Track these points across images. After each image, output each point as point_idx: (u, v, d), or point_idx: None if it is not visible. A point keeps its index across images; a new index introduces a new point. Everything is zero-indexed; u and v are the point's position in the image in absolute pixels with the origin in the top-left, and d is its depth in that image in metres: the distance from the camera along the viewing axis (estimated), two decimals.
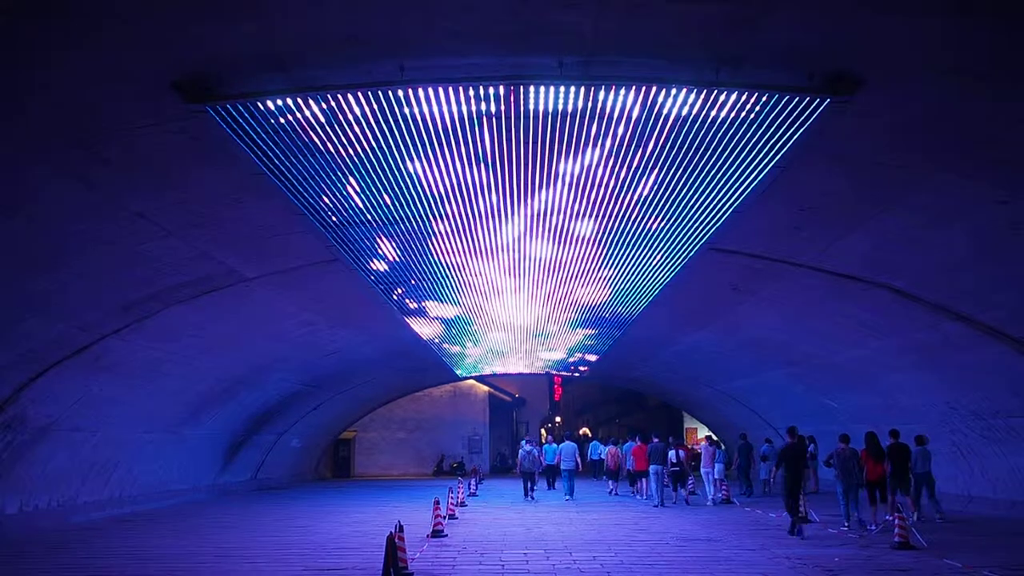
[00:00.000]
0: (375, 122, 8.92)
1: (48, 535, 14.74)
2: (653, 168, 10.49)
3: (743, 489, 24.26)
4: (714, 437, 28.29)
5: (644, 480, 23.29)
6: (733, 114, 8.76)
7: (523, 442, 28.51)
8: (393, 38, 7.45)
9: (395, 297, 18.06)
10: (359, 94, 8.27)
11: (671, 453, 21.22)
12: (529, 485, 23.93)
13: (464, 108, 8.75)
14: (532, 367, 33.62)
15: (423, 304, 19.23)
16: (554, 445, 27.20)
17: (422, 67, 7.88)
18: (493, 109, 8.79)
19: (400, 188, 11.12)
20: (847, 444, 15.61)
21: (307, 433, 32.34)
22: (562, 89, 8.32)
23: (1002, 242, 10.83)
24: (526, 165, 10.47)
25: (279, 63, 7.73)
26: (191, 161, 9.63)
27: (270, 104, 8.30)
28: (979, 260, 11.58)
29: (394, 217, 12.36)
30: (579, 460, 24.54)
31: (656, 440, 21.51)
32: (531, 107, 8.73)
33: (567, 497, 23.23)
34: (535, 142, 9.69)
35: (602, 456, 27.76)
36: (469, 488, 25.35)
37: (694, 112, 8.75)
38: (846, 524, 15.08)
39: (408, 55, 7.69)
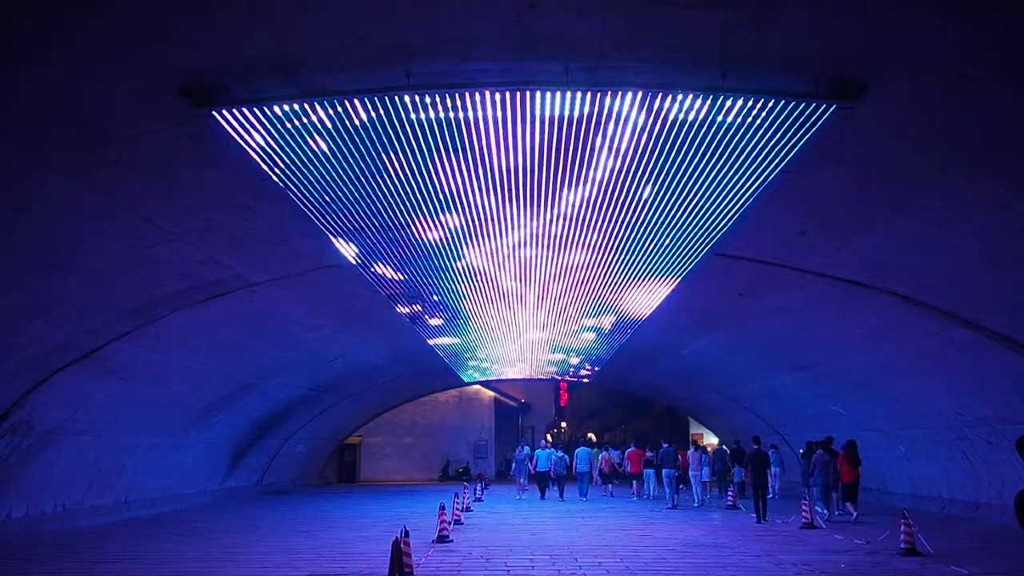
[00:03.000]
0: (381, 127, 8.94)
1: (54, 539, 14.77)
2: (659, 173, 10.50)
3: (721, 492, 26.20)
4: (699, 443, 30.18)
5: (637, 482, 25.96)
6: (739, 119, 8.76)
7: (523, 447, 28.58)
8: (399, 44, 7.47)
9: (401, 302, 18.07)
10: (365, 99, 8.29)
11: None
12: (540, 487, 25.74)
13: (471, 114, 8.76)
14: (538, 372, 33.59)
15: (429, 308, 19.24)
16: (548, 450, 26.99)
17: (428, 73, 7.90)
18: (499, 115, 8.80)
19: (406, 193, 11.14)
20: (826, 450, 18.52)
21: (313, 438, 32.36)
22: (568, 95, 8.32)
23: (1008, 247, 10.79)
24: (532, 171, 10.48)
25: (285, 69, 7.76)
26: (197, 165, 9.66)
27: (277, 109, 8.33)
28: (986, 265, 11.55)
29: (400, 222, 12.38)
30: (593, 463, 27.06)
31: (667, 445, 23.47)
32: (537, 113, 8.74)
33: (583, 497, 25.52)
34: (541, 148, 9.70)
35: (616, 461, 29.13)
36: (475, 493, 25.36)
37: (700, 117, 8.75)
38: (828, 518, 17.83)
39: (414, 61, 7.71)
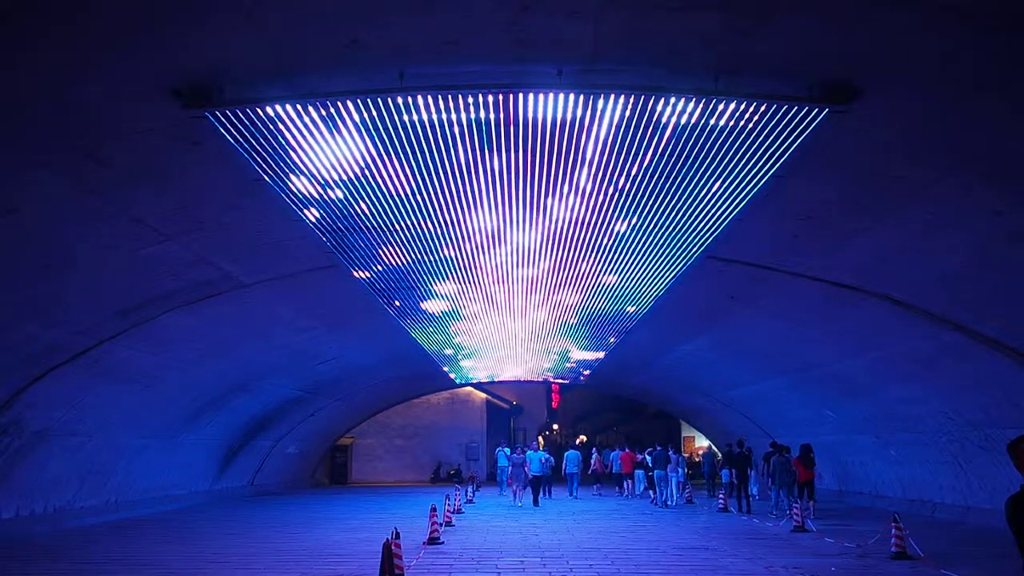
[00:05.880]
0: (374, 129, 8.93)
1: (44, 540, 14.72)
2: (652, 176, 10.50)
3: (709, 493, 27.77)
4: (679, 447, 32.08)
5: (629, 482, 28.32)
6: (732, 123, 8.77)
7: (505, 450, 28.39)
8: (393, 46, 7.45)
9: (393, 304, 18.04)
10: (358, 101, 8.27)
11: (648, 459, 25.42)
12: (534, 492, 24.72)
13: (463, 115, 8.75)
14: (530, 374, 33.59)
15: (421, 311, 19.22)
16: (540, 452, 26.39)
17: (421, 74, 7.89)
18: (492, 116, 8.80)
19: (398, 195, 11.12)
20: (781, 453, 20.40)
21: (304, 439, 32.28)
22: (561, 97, 8.32)
23: (1001, 253, 10.83)
24: (524, 172, 10.47)
25: (279, 70, 7.74)
26: (190, 166, 9.63)
27: (269, 110, 8.30)
28: (978, 271, 11.58)
29: (393, 224, 12.36)
30: (582, 465, 28.25)
31: (660, 448, 24.81)
32: (530, 115, 8.73)
33: (572, 496, 26.90)
34: (533, 149, 9.69)
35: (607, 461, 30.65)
36: (466, 496, 25.32)
37: (693, 120, 8.75)
38: (774, 512, 19.87)
39: (408, 62, 7.70)
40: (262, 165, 9.62)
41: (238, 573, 11.57)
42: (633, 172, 10.36)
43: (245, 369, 20.57)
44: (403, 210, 11.76)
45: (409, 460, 40.03)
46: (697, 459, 37.52)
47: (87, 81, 7.57)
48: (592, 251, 14.16)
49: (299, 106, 8.29)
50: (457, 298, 17.94)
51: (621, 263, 14.83)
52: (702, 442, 40.81)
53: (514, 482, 25.15)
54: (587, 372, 31.85)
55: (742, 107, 8.37)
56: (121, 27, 6.82)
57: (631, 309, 18.89)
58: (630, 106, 8.47)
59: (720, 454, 28.14)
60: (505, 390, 43.50)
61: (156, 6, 6.65)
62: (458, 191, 11.10)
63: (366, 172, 10.22)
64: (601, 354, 26.61)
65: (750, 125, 8.78)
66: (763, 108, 8.36)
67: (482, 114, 8.72)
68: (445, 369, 30.15)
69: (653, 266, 14.88)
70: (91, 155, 8.84)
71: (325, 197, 10.97)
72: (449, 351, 26.20)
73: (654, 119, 8.76)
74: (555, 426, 65.60)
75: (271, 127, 8.65)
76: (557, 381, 40.21)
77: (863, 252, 12.34)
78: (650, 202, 11.49)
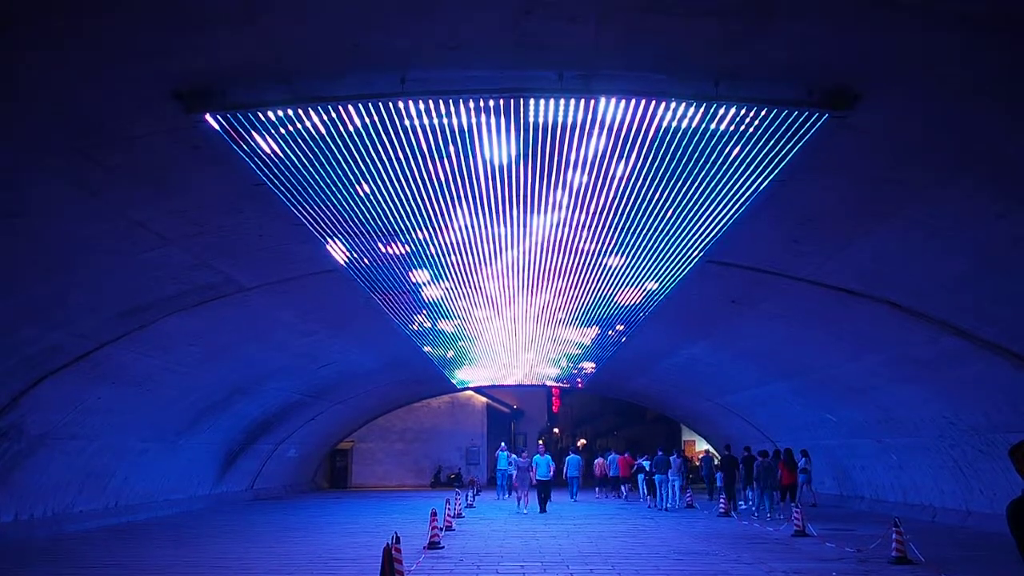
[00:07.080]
0: (375, 133, 8.94)
1: (44, 544, 14.70)
2: (652, 180, 10.51)
3: (709, 497, 27.69)
4: (681, 451, 32.52)
5: (626, 485, 29.44)
6: (732, 127, 8.79)
7: (508, 454, 28.22)
8: (395, 50, 7.47)
9: (394, 307, 18.04)
10: (360, 105, 8.29)
11: (649, 464, 26.15)
12: (541, 498, 23.57)
13: (464, 120, 8.77)
14: (530, 378, 33.59)
15: (421, 314, 19.23)
16: (547, 456, 25.81)
17: (423, 79, 7.90)
18: (493, 121, 8.81)
19: (400, 199, 11.13)
20: (766, 457, 21.16)
21: (304, 443, 32.26)
22: (562, 102, 8.33)
23: (1002, 256, 10.82)
24: (525, 176, 10.49)
25: (280, 74, 7.75)
26: (191, 170, 9.64)
27: (271, 114, 8.32)
28: (979, 274, 11.57)
29: (394, 228, 12.37)
30: (582, 470, 28.93)
31: (661, 452, 25.14)
32: (531, 119, 8.75)
33: (573, 500, 27.38)
34: (534, 154, 9.71)
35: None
36: (466, 500, 25.28)
37: (693, 125, 8.78)
38: (768, 515, 20.42)
39: (409, 67, 7.71)
40: (264, 169, 9.63)
41: None
42: (634, 176, 10.38)
43: (246, 373, 20.56)
44: (404, 214, 11.76)
45: (409, 464, 39.99)
46: (697, 463, 37.57)
47: (88, 84, 7.58)
48: (592, 255, 14.16)
49: (300, 110, 8.31)
50: (458, 301, 17.94)
51: (621, 266, 14.83)
52: (702, 446, 40.78)
53: (520, 487, 24.15)
54: (587, 376, 31.83)
55: (743, 112, 8.39)
56: (122, 29, 6.83)
57: (631, 313, 18.88)
58: (631, 110, 8.49)
59: (719, 458, 28.24)
60: (506, 394, 43.48)
61: (158, 9, 6.66)
62: (458, 194, 11.10)
63: (367, 176, 10.22)
64: (601, 358, 26.61)
65: (750, 130, 8.80)
66: (763, 113, 8.38)
67: (484, 118, 8.73)
68: (447, 371, 30.15)
69: (653, 269, 14.87)
70: (92, 158, 8.85)
71: (326, 201, 10.97)
72: (450, 355, 26.21)
73: (655, 123, 8.78)
74: (555, 430, 65.59)
75: (272, 131, 8.66)
76: (557, 385, 40.20)
77: (863, 256, 12.33)
78: (650, 206, 11.50)
